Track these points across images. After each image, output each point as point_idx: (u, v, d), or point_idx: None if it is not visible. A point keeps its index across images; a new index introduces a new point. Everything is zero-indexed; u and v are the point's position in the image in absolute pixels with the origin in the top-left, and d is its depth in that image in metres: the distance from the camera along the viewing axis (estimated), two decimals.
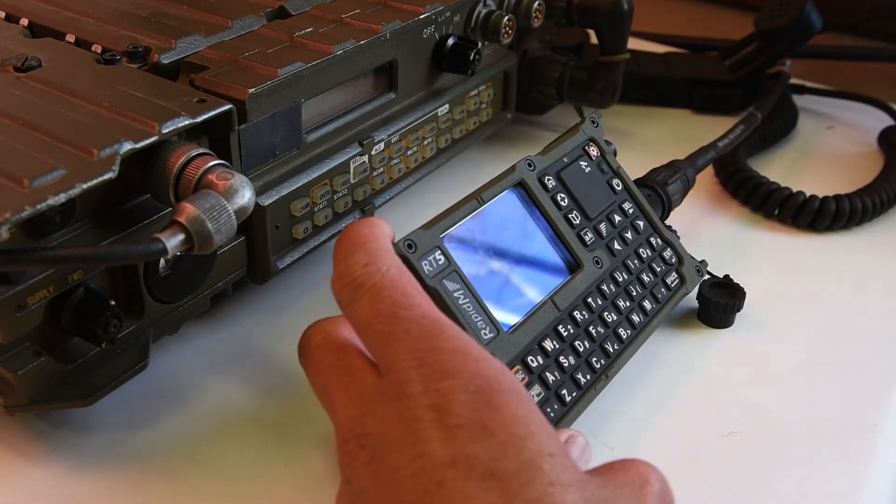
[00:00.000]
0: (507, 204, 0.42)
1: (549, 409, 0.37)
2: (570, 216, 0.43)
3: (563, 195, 0.44)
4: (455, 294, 0.37)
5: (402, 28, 0.47)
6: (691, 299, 0.48)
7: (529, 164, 0.43)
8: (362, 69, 0.47)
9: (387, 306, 0.32)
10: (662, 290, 0.45)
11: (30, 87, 0.38)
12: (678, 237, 0.48)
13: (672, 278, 0.46)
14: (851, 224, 0.56)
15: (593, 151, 0.47)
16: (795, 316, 0.48)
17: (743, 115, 0.60)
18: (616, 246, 0.44)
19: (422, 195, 0.57)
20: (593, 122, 0.47)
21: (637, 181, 0.49)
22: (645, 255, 0.45)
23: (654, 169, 0.52)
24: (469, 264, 0.38)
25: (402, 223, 0.55)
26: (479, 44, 0.52)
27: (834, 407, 0.42)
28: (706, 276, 0.48)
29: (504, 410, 0.29)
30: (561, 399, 0.37)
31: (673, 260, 0.46)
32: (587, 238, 0.43)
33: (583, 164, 0.46)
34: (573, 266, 0.42)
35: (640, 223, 0.46)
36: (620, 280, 0.43)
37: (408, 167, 0.52)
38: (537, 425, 0.30)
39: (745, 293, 0.47)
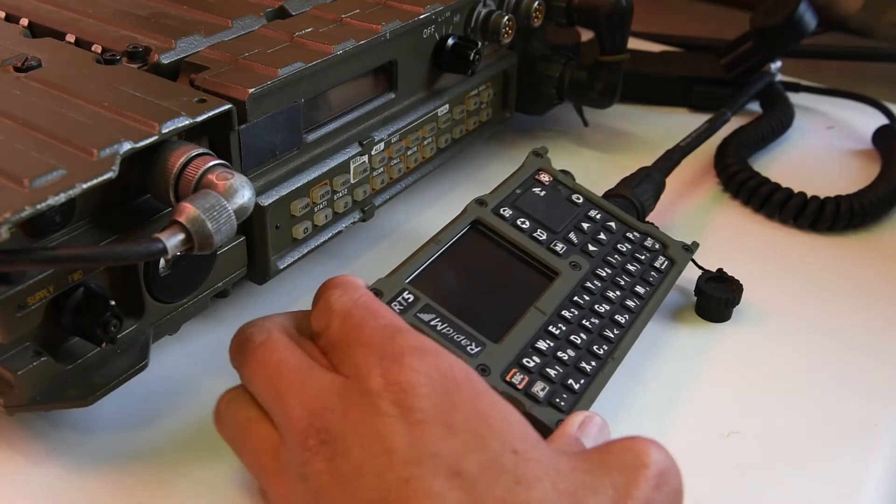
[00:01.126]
0: (468, 240, 0.43)
1: (559, 399, 0.37)
2: (534, 234, 0.44)
3: (523, 219, 0.45)
4: (432, 322, 0.38)
5: (402, 28, 0.47)
6: (689, 295, 0.48)
7: (481, 203, 0.45)
8: (362, 69, 0.47)
9: (356, 321, 0.33)
10: (653, 273, 0.45)
11: (30, 87, 0.38)
12: (657, 228, 0.48)
13: (660, 261, 0.46)
14: (853, 225, 0.56)
15: (545, 178, 0.48)
16: (796, 316, 0.48)
17: (749, 114, 0.60)
18: (591, 248, 0.45)
19: (422, 195, 0.57)
20: (537, 154, 0.49)
21: (607, 192, 0.51)
22: (625, 249, 0.46)
23: (623, 178, 0.52)
24: (441, 296, 0.39)
25: (402, 223, 0.55)
26: (479, 44, 0.52)
27: (834, 407, 0.42)
28: (701, 271, 0.48)
29: (463, 407, 0.29)
30: (569, 388, 0.38)
31: (656, 246, 0.47)
32: (558, 248, 0.44)
33: (536, 190, 0.47)
34: (551, 276, 0.43)
35: (612, 224, 0.47)
36: (604, 275, 0.44)
37: (408, 167, 0.52)
38: (499, 420, 0.30)
39: (742, 287, 0.47)
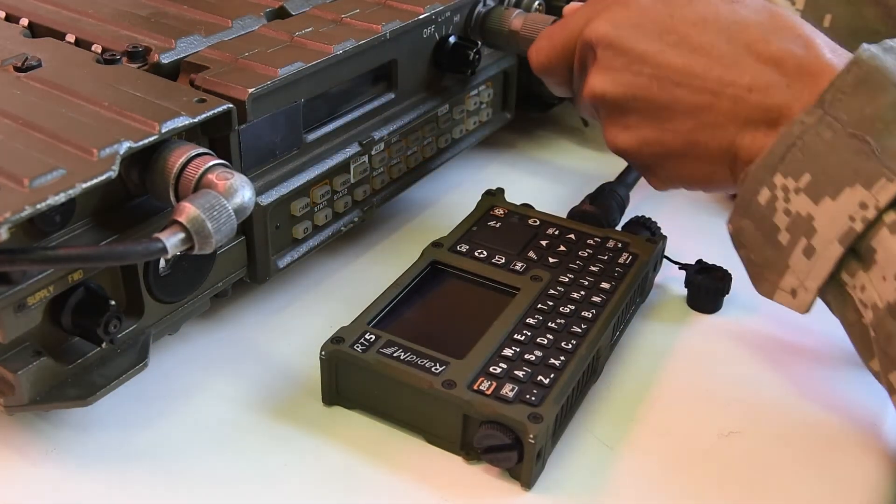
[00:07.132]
0: (428, 279, 0.45)
1: (529, 395, 0.37)
2: (493, 260, 0.45)
3: (480, 250, 0.46)
4: (395, 354, 0.39)
5: (402, 28, 0.47)
6: (680, 289, 0.48)
7: (437, 245, 0.46)
8: (362, 69, 0.47)
9: None
10: (617, 269, 0.45)
11: (30, 87, 0.38)
12: (618, 231, 0.49)
13: (623, 258, 0.46)
14: None
15: (499, 212, 0.49)
16: (797, 317, 0.48)
17: None
18: (551, 260, 0.45)
19: (422, 195, 0.57)
20: (490, 193, 0.51)
21: (572, 210, 0.51)
22: (586, 254, 0.46)
23: (587, 195, 0.53)
24: (403, 331, 0.40)
25: (402, 223, 0.55)
26: (479, 44, 0.52)
27: (834, 407, 0.42)
28: (677, 264, 0.49)
29: None
30: (539, 384, 0.38)
31: (619, 245, 0.47)
32: (517, 267, 0.45)
33: (491, 223, 0.48)
34: (512, 293, 0.43)
35: (570, 236, 0.47)
36: (567, 280, 0.44)
37: (408, 167, 0.52)
38: None
39: (730, 276, 0.48)
